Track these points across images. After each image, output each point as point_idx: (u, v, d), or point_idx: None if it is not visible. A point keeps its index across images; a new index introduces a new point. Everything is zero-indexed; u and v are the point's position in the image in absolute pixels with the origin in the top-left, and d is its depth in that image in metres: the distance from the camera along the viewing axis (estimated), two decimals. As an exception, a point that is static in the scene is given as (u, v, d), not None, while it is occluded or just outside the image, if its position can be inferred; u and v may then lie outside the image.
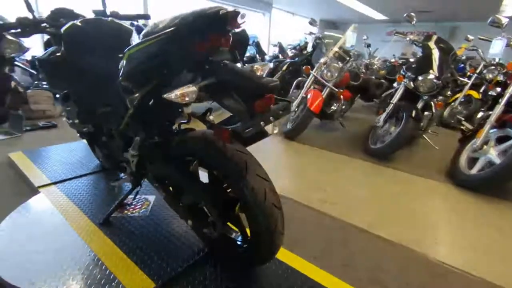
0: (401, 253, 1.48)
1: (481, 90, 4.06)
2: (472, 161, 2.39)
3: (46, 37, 1.53)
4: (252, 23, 9.26)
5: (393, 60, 6.99)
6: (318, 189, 2.11)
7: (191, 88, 0.74)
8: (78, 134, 1.81)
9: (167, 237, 1.39)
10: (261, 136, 1.06)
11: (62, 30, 1.25)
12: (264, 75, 0.92)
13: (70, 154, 2.27)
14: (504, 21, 2.66)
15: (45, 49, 1.46)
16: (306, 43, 5.07)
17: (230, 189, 1.05)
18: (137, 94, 0.94)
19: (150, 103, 1.00)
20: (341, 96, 3.27)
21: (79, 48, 1.25)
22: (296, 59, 5.78)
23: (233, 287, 1.14)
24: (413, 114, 2.59)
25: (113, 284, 1.11)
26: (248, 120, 0.78)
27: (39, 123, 3.12)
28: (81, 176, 1.92)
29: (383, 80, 4.88)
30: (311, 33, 4.36)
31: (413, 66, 2.91)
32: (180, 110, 1.07)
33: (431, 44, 2.82)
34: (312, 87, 3.26)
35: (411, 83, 2.76)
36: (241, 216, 1.10)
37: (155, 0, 6.40)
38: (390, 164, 2.69)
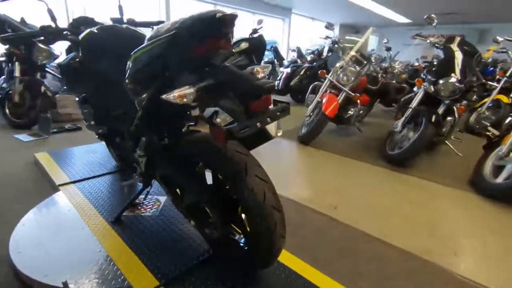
0: (414, 263, 1.42)
1: (511, 95, 3.83)
2: (498, 169, 2.25)
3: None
4: (272, 29, 9.33)
5: (416, 64, 6.78)
6: (329, 195, 2.07)
7: (189, 90, 0.77)
8: (97, 136, 1.89)
9: (175, 237, 1.42)
10: (264, 139, 1.07)
11: (80, 37, 1.33)
12: (266, 77, 0.92)
13: (90, 155, 2.38)
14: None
15: (66, 55, 1.56)
16: (324, 47, 5.03)
17: (230, 190, 1.06)
18: (144, 95, 0.98)
19: (158, 105, 1.04)
20: (358, 101, 3.20)
21: (95, 53, 1.32)
22: (314, 63, 5.76)
23: (235, 289, 1.14)
24: (433, 119, 2.49)
25: (119, 280, 1.14)
26: (244, 121, 0.78)
27: (65, 125, 3.30)
28: (98, 176, 2.01)
29: (404, 85, 4.73)
30: (327, 37, 4.33)
31: (433, 69, 2.80)
32: (188, 112, 1.10)
33: (454, 46, 2.71)
34: (328, 91, 3.22)
35: (431, 86, 2.65)
36: (244, 217, 1.11)
37: (176, 7, 6.62)
38: (408, 171, 2.58)
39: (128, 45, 1.36)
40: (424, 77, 2.86)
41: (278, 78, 5.78)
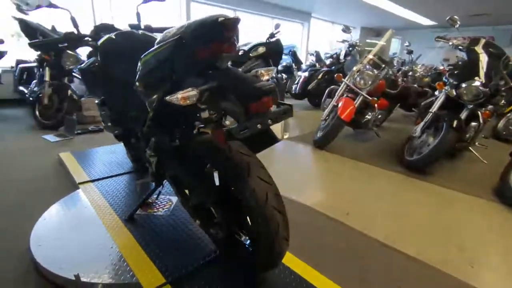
0: (425, 272, 1.36)
1: (544, 100, 3.58)
2: (526, 178, 2.11)
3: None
4: (291, 33, 9.33)
5: (442, 67, 6.52)
6: (342, 200, 2.03)
7: (192, 92, 0.79)
8: (115, 137, 1.98)
9: (184, 237, 1.45)
10: (270, 141, 1.07)
11: (99, 42, 1.41)
12: (269, 80, 0.93)
13: (110, 155, 2.48)
14: None
15: (87, 60, 1.65)
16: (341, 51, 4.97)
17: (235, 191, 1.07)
18: (154, 97, 1.02)
19: (167, 106, 1.07)
20: (376, 105, 3.12)
21: (111, 58, 1.39)
22: (333, 67, 5.70)
23: (239, 291, 1.15)
24: (454, 124, 2.38)
25: (128, 276, 1.18)
26: (244, 122, 0.80)
27: (89, 127, 3.47)
28: (116, 175, 2.09)
29: (427, 89, 4.56)
30: (344, 41, 4.27)
31: (456, 72, 2.69)
32: (198, 114, 1.12)
33: (478, 48, 2.59)
34: (344, 95, 3.18)
35: (453, 90, 2.54)
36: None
37: (197, 12, 6.79)
38: (427, 177, 2.48)
39: (142, 50, 1.42)
40: (446, 80, 2.75)
41: (296, 82, 5.76)
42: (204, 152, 1.09)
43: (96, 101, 1.71)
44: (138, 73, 1.00)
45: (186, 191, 1.31)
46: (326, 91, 3.51)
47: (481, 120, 2.56)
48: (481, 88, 2.41)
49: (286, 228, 0.98)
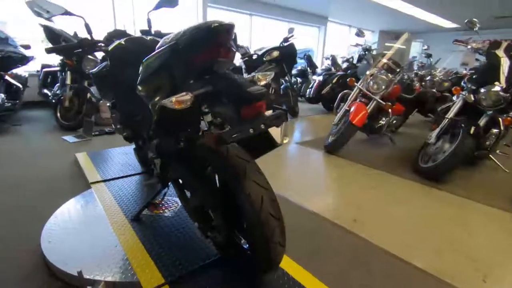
0: (432, 285, 1.30)
1: None
2: (550, 189, 1.99)
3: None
4: (307, 37, 9.29)
5: (464, 71, 6.26)
6: (350, 207, 1.99)
7: (186, 96, 0.80)
8: (124, 139, 2.04)
9: (187, 238, 1.46)
10: (270, 146, 1.07)
11: (109, 48, 1.47)
12: (267, 84, 0.93)
13: (123, 156, 2.56)
14: None
15: (100, 64, 1.72)
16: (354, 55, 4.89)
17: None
18: (156, 99, 1.05)
19: (168, 110, 1.09)
20: (390, 110, 3.04)
21: (120, 63, 1.44)
22: (348, 71, 5.62)
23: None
24: (472, 131, 2.28)
25: (129, 274, 1.21)
26: (235, 126, 0.80)
27: (106, 129, 3.60)
28: (126, 176, 2.15)
29: (446, 94, 4.40)
30: (357, 45, 4.20)
31: (474, 76, 2.58)
32: (201, 118, 1.14)
33: (499, 52, 2.47)
34: (358, 100, 3.12)
35: (471, 95, 2.44)
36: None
37: (214, 17, 6.91)
38: (443, 186, 2.39)
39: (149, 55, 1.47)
40: (463, 85, 2.65)
41: (310, 86, 5.72)
42: (204, 155, 1.10)
43: (108, 104, 1.77)
44: (140, 76, 1.03)
45: (188, 193, 1.33)
46: (339, 96, 3.46)
47: (502, 127, 2.44)
48: (501, 93, 2.30)
49: (282, 234, 0.97)
